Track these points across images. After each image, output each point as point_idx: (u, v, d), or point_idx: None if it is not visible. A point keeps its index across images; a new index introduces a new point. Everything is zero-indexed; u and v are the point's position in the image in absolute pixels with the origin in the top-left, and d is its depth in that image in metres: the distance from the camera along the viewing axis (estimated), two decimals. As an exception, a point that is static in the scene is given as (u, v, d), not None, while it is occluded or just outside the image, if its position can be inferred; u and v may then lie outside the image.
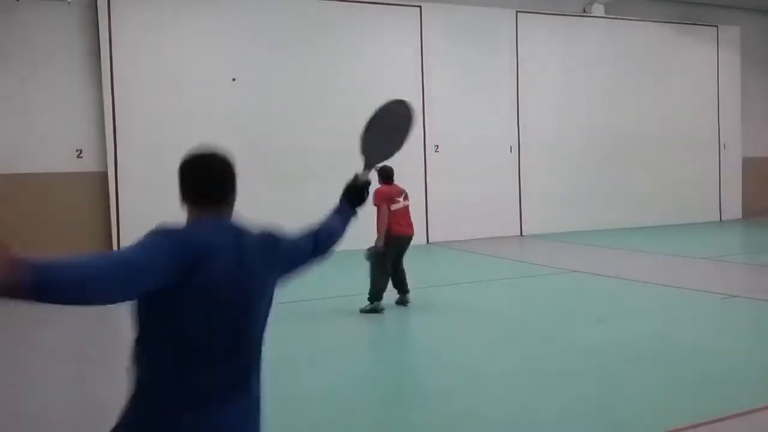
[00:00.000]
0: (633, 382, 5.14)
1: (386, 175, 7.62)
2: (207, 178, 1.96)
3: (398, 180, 7.79)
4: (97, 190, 11.96)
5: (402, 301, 7.93)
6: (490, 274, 10.67)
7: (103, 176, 11.93)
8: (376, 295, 7.61)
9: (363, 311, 7.61)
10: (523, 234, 15.17)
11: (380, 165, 7.24)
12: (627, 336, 6.42)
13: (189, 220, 1.94)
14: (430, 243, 13.94)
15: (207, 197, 1.95)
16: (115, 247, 11.71)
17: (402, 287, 7.95)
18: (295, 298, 7.67)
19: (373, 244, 7.53)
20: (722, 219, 17.59)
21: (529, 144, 15.19)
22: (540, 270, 10.47)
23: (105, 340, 7.24)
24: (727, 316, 7.48)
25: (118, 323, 8.26)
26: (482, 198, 14.61)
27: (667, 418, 4.27)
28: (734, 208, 17.83)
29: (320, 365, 5.81)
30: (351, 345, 6.70)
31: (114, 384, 5.47)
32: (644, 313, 7.49)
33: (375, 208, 7.42)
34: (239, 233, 1.95)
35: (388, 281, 7.73)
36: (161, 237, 1.77)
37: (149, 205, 11.92)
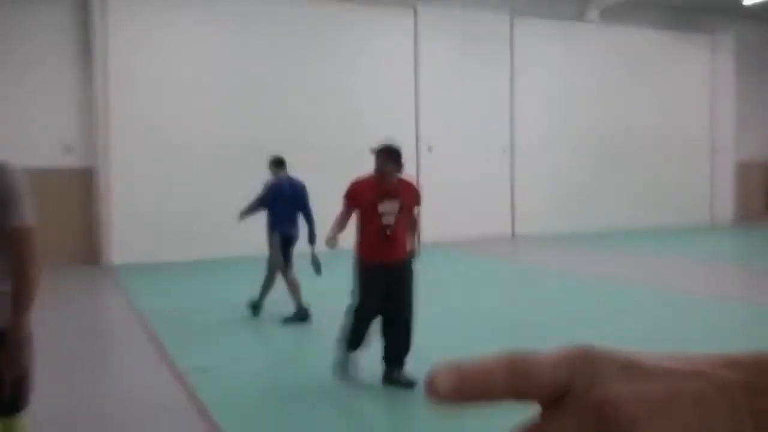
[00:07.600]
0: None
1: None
2: None
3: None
4: (86, 186, 11.92)
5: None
6: (482, 275, 10.71)
7: (92, 172, 11.89)
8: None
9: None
10: (515, 235, 15.23)
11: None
12: (617, 338, 6.45)
13: None
14: (422, 243, 13.94)
15: None
16: (102, 243, 11.68)
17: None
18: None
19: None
20: (713, 223, 17.70)
21: (523, 146, 15.24)
22: (531, 271, 10.52)
23: (103, 340, 7.24)
24: (717, 319, 7.53)
25: (117, 323, 8.27)
26: (475, 199, 14.65)
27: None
28: (725, 213, 17.94)
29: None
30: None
31: (113, 384, 5.49)
32: (634, 315, 7.54)
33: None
34: None
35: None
36: None
37: (139, 201, 11.91)
